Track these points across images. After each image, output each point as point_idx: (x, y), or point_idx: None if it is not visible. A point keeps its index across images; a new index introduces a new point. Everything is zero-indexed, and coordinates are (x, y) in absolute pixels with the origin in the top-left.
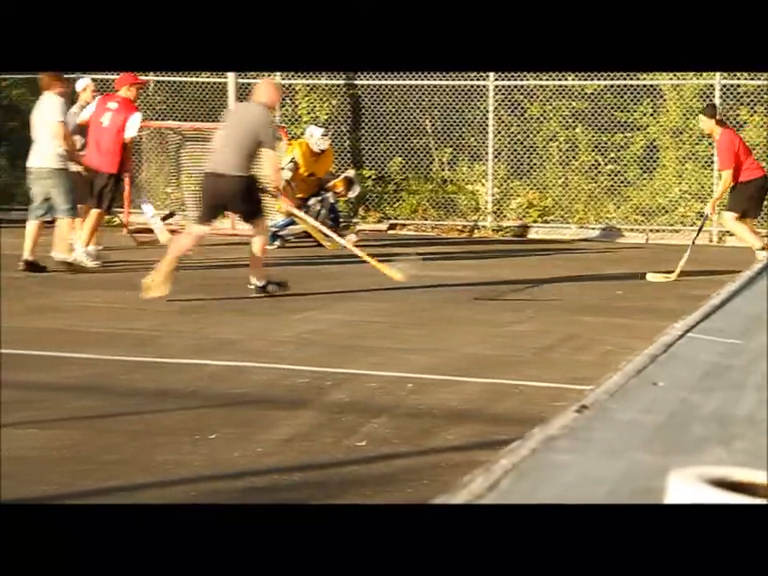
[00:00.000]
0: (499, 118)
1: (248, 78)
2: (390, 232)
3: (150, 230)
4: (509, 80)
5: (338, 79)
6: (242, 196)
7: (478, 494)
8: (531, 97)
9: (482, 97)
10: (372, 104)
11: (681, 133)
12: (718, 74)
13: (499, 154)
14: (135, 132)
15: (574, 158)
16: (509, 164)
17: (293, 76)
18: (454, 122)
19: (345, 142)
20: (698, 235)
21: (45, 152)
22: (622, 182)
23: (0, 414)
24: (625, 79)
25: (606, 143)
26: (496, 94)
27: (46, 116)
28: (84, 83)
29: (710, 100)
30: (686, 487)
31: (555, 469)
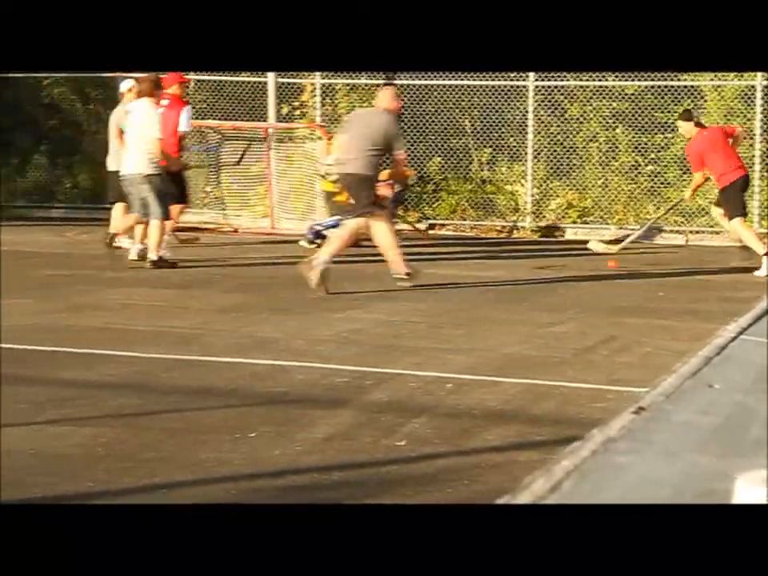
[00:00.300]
0: (539, 119)
1: (288, 78)
2: (430, 232)
3: (193, 229)
4: (549, 80)
5: (378, 79)
6: (364, 193)
7: (539, 495)
8: (571, 97)
9: (521, 97)
10: (412, 104)
11: None
12: (759, 74)
13: (539, 154)
14: (189, 125)
15: (613, 158)
16: (548, 164)
17: (333, 76)
18: (494, 122)
19: None
20: (665, 215)
21: (139, 159)
22: (661, 183)
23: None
24: (666, 80)
25: (646, 144)
26: (536, 94)
27: (146, 127)
28: (129, 84)
29: (751, 101)
30: (753, 489)
31: (616, 470)
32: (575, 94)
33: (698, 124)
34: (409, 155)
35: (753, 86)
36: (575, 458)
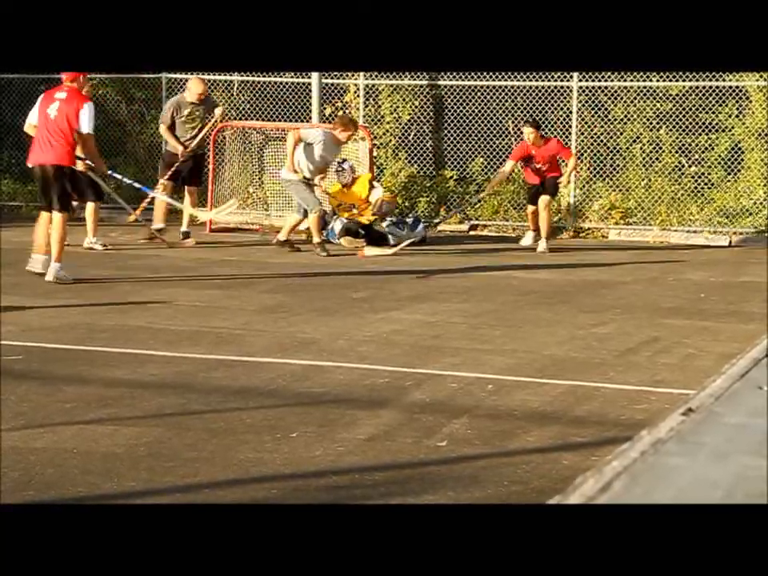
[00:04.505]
0: (582, 119)
1: (331, 79)
2: (472, 233)
3: (232, 230)
4: (593, 81)
5: (421, 80)
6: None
7: (590, 496)
8: (615, 98)
9: (565, 98)
10: (455, 104)
11: (766, 135)
12: None
13: (582, 155)
14: (90, 127)
15: (657, 159)
16: (591, 165)
17: (376, 76)
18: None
19: (427, 142)
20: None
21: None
22: (705, 184)
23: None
24: (710, 80)
25: (689, 145)
26: (580, 95)
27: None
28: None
29: None
30: None
31: (667, 472)
32: (619, 95)
33: (543, 136)
34: (452, 155)
35: None
36: (625, 459)
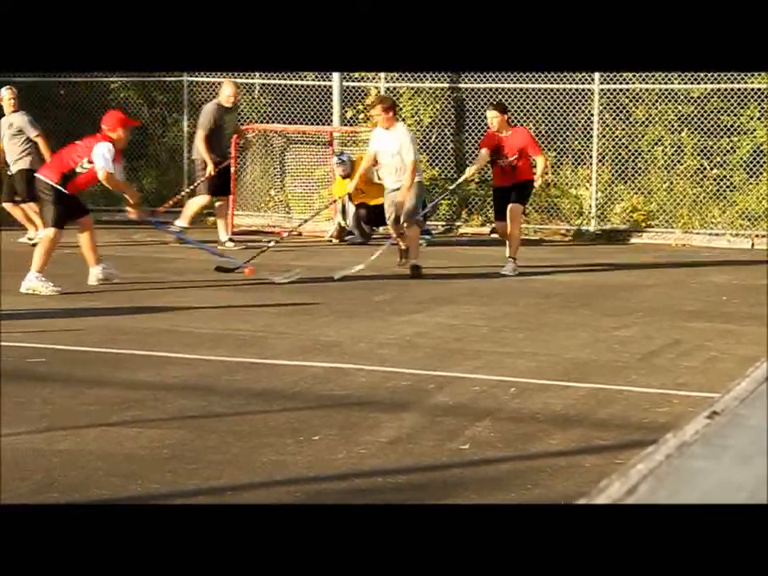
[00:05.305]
0: (604, 122)
1: (353, 82)
2: (493, 235)
3: (254, 233)
4: (614, 83)
5: (443, 82)
6: None
7: (616, 498)
8: (636, 100)
9: (586, 100)
10: (476, 107)
11: None
12: None
13: (603, 157)
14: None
15: (679, 162)
16: (613, 168)
17: (397, 79)
18: (558, 125)
19: (448, 145)
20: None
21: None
22: (727, 187)
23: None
24: (732, 83)
25: (711, 147)
26: (601, 97)
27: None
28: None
29: None
30: None
31: (692, 474)
32: (640, 97)
33: (510, 123)
34: (473, 158)
35: None
36: (650, 462)
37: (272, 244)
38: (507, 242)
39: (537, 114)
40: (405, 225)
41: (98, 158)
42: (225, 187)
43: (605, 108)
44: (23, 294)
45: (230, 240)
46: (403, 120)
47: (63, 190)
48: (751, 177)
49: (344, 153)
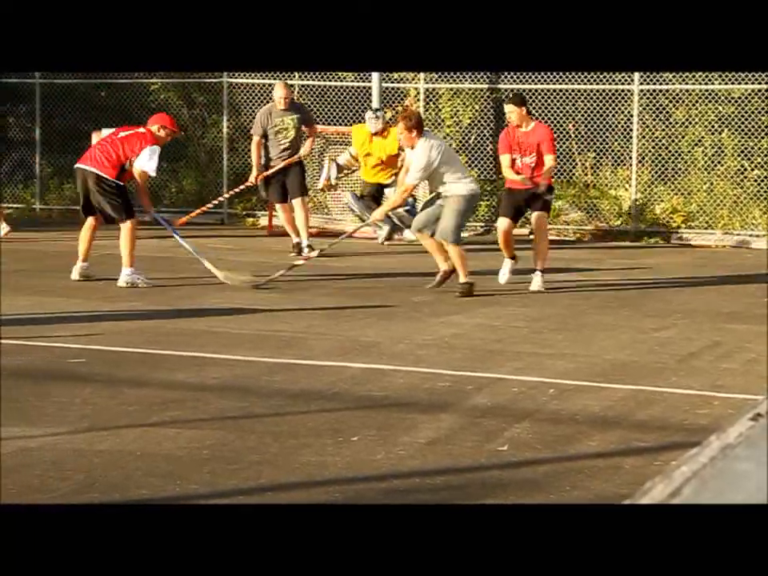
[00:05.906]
0: (644, 123)
1: (392, 83)
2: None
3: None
4: (654, 84)
5: (482, 83)
6: None
7: (660, 500)
8: (676, 101)
9: (626, 101)
10: None
11: None
12: None
13: (643, 158)
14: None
15: (719, 162)
16: (653, 169)
17: (437, 80)
18: (598, 126)
19: (487, 146)
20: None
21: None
22: None
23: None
24: None
25: (752, 148)
26: (641, 98)
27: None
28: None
29: None
30: None
31: (736, 477)
32: (680, 98)
33: (530, 115)
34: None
35: None
36: (694, 464)
37: (301, 263)
38: (534, 254)
39: (577, 115)
40: (443, 244)
41: (145, 157)
42: (297, 188)
43: (644, 108)
44: (63, 297)
45: (309, 246)
46: (442, 121)
47: (122, 183)
48: None
49: (380, 109)
